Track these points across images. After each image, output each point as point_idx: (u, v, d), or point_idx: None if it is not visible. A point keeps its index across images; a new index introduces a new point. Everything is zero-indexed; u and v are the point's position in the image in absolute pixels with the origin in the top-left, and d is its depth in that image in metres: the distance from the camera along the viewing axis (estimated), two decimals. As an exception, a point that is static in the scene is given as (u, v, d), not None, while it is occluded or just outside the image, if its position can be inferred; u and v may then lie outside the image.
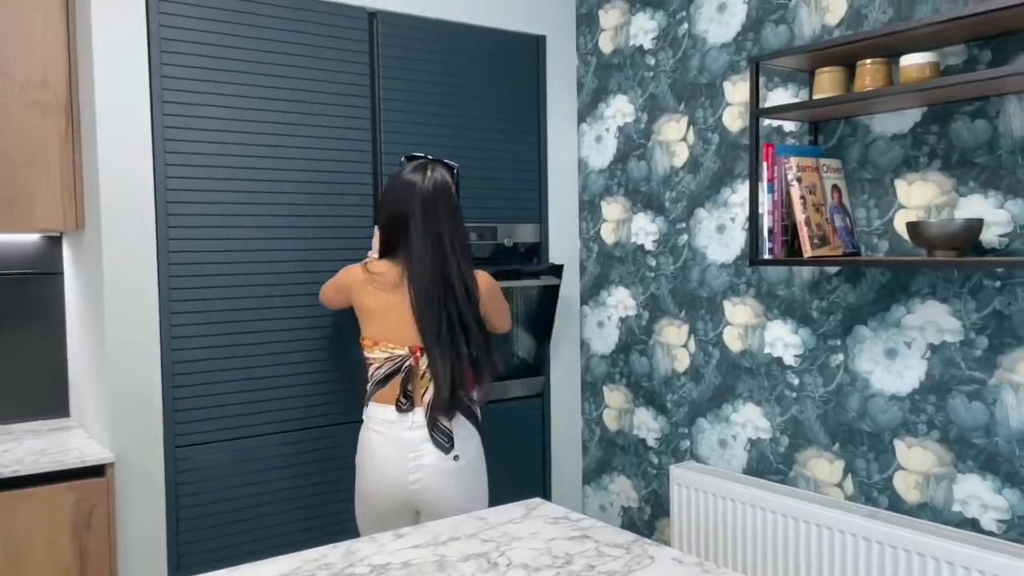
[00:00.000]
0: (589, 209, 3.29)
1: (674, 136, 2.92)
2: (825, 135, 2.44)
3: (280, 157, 2.54)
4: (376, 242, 2.30)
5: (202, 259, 2.44)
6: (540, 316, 3.11)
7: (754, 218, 2.33)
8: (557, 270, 3.05)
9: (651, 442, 3.07)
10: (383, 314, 2.19)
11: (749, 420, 2.70)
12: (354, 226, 2.64)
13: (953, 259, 1.97)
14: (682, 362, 2.93)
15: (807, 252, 2.24)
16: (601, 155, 3.22)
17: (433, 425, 2.15)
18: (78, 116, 2.48)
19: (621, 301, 3.16)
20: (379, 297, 2.20)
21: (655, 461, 3.05)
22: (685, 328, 2.91)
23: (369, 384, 2.23)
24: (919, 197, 2.23)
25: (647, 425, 3.08)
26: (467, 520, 1.68)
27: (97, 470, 2.29)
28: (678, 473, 2.77)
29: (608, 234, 3.20)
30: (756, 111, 2.32)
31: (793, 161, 2.27)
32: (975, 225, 1.97)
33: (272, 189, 2.53)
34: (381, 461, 2.16)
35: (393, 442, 2.16)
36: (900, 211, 2.27)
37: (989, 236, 2.08)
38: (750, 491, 2.52)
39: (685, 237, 2.89)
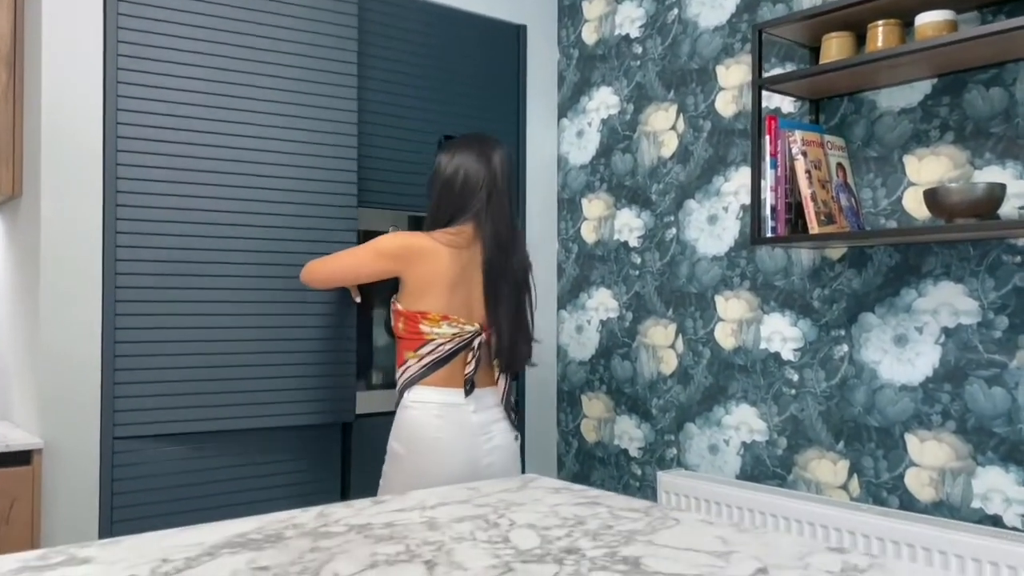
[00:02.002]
0: (568, 208, 3.13)
1: (662, 125, 2.79)
2: (827, 114, 2.33)
3: (251, 124, 2.30)
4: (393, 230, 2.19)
5: (154, 230, 2.19)
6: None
7: (756, 195, 2.18)
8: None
9: (634, 452, 2.86)
10: (455, 286, 1.99)
11: (743, 422, 2.52)
12: (332, 204, 2.37)
13: (978, 227, 1.84)
14: (669, 364, 2.75)
15: (813, 228, 2.10)
16: (582, 151, 3.08)
17: (507, 404, 2.07)
18: (22, 69, 2.25)
19: (602, 303, 2.98)
20: (453, 267, 1.99)
21: (638, 472, 2.84)
22: (672, 327, 2.74)
23: (417, 365, 1.98)
24: (931, 172, 2.11)
25: (629, 434, 2.87)
26: (454, 490, 1.45)
27: (22, 457, 2.01)
28: (666, 480, 2.56)
29: (589, 233, 3.04)
30: (759, 81, 2.19)
31: (798, 134, 2.15)
32: (997, 191, 1.85)
33: (238, 158, 2.28)
34: (449, 446, 1.94)
35: (461, 426, 1.96)
36: (910, 188, 2.15)
37: (1007, 209, 1.96)
38: (747, 494, 2.33)
39: (673, 231, 2.74)
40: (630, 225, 2.89)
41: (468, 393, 1.98)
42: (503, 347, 2.03)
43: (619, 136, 2.94)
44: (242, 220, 2.30)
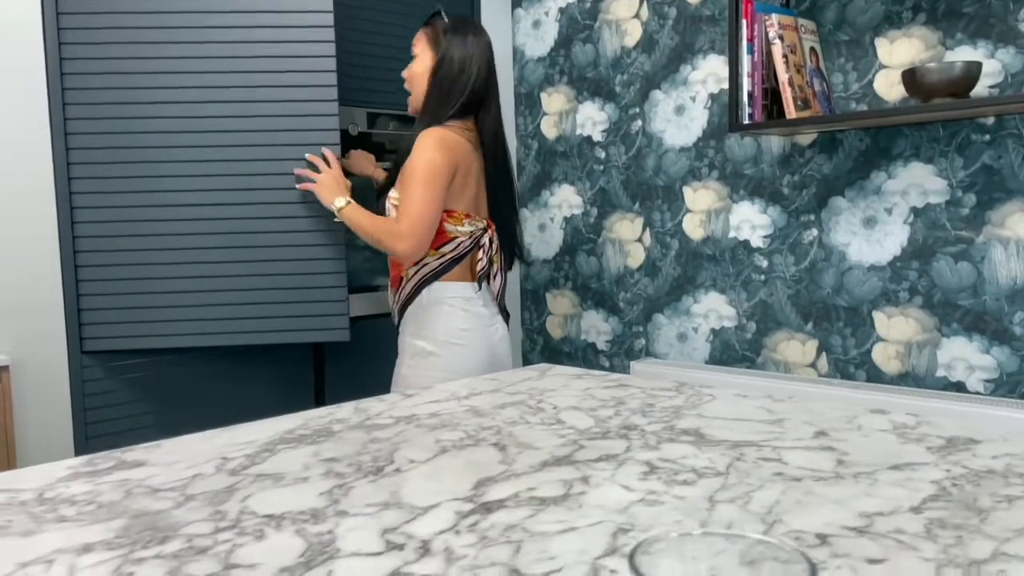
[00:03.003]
0: (527, 103, 3.07)
1: (625, 14, 2.73)
2: (797, -2, 2.32)
3: (219, 12, 2.09)
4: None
5: (110, 113, 2.01)
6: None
7: (734, 81, 2.18)
8: None
9: (601, 345, 2.91)
10: (473, 183, 1.94)
11: (712, 310, 2.59)
12: (312, 99, 2.09)
13: (955, 105, 1.89)
14: (636, 258, 2.78)
15: (790, 114, 2.12)
16: (540, 42, 3.00)
17: (501, 297, 2.05)
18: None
19: (566, 200, 2.98)
20: (474, 164, 1.94)
21: (606, 364, 2.90)
22: (639, 221, 2.76)
23: (437, 262, 1.93)
24: (903, 54, 2.14)
25: (597, 328, 2.92)
26: (478, 381, 1.45)
27: (-11, 376, 1.91)
28: (639, 368, 2.63)
29: (549, 128, 3.00)
30: (736, -37, 2.16)
31: (775, 18, 2.14)
32: (974, 69, 1.89)
33: (210, 45, 2.04)
34: (475, 339, 1.94)
35: (478, 318, 1.96)
36: (881, 71, 2.18)
37: (979, 89, 2.02)
38: (718, 377, 2.41)
39: (639, 123, 2.73)
40: (593, 119, 2.86)
41: (479, 288, 1.98)
42: (504, 243, 2.01)
43: (579, 26, 2.87)
44: (213, 111, 2.08)
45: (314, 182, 2.01)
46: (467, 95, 1.91)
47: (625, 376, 1.45)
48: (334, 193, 1.97)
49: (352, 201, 1.95)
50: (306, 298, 2.11)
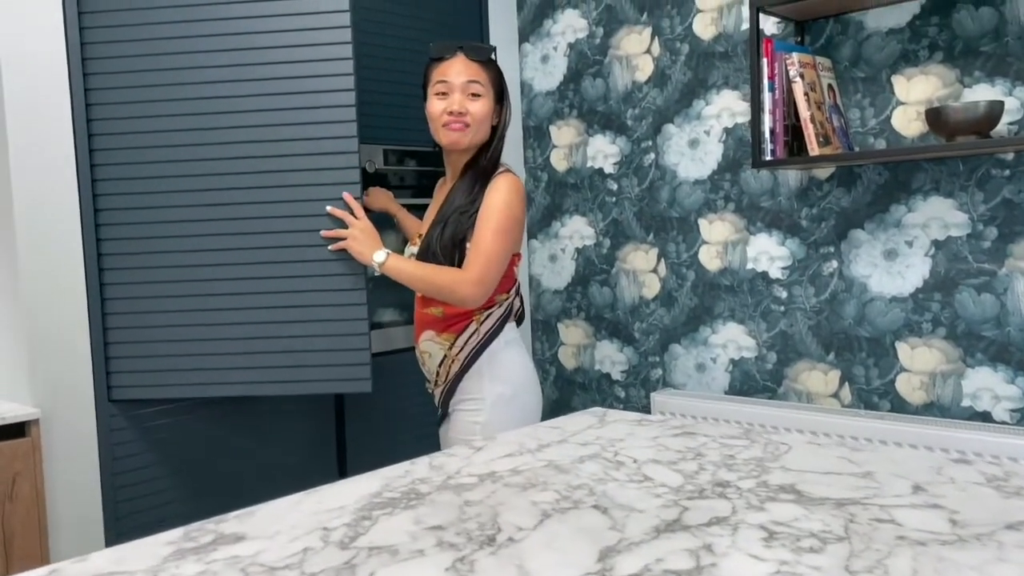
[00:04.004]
0: (535, 135, 3.08)
1: (636, 49, 2.76)
2: (812, 35, 2.36)
3: (239, 65, 2.02)
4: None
5: (139, 173, 1.98)
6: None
7: (756, 118, 2.21)
8: None
9: (616, 375, 2.92)
10: None
11: (731, 340, 2.61)
12: (332, 136, 1.99)
13: (979, 144, 1.93)
14: (651, 288, 2.79)
15: (813, 150, 2.15)
16: (548, 76, 3.02)
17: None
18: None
19: (577, 230, 2.99)
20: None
21: (622, 394, 2.91)
22: (654, 252, 2.77)
23: (507, 304, 1.95)
24: (920, 92, 2.19)
25: (611, 358, 2.93)
26: (539, 430, 1.45)
27: (17, 429, 1.87)
28: (660, 400, 2.64)
29: (559, 160, 3.02)
30: (757, 2, 2.20)
31: (795, 56, 2.17)
32: (997, 108, 1.94)
33: (230, 94, 2.00)
34: (535, 378, 2.00)
35: (529, 356, 2.03)
36: (899, 107, 2.23)
37: (998, 126, 2.06)
38: (742, 408, 2.43)
39: (652, 156, 2.75)
40: (604, 151, 2.88)
41: (519, 324, 2.02)
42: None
43: (588, 61, 2.90)
44: (237, 168, 2.01)
45: (344, 239, 1.91)
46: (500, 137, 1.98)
47: (686, 422, 1.46)
48: (371, 248, 1.88)
49: (390, 252, 1.89)
50: (328, 346, 2.01)
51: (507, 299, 1.93)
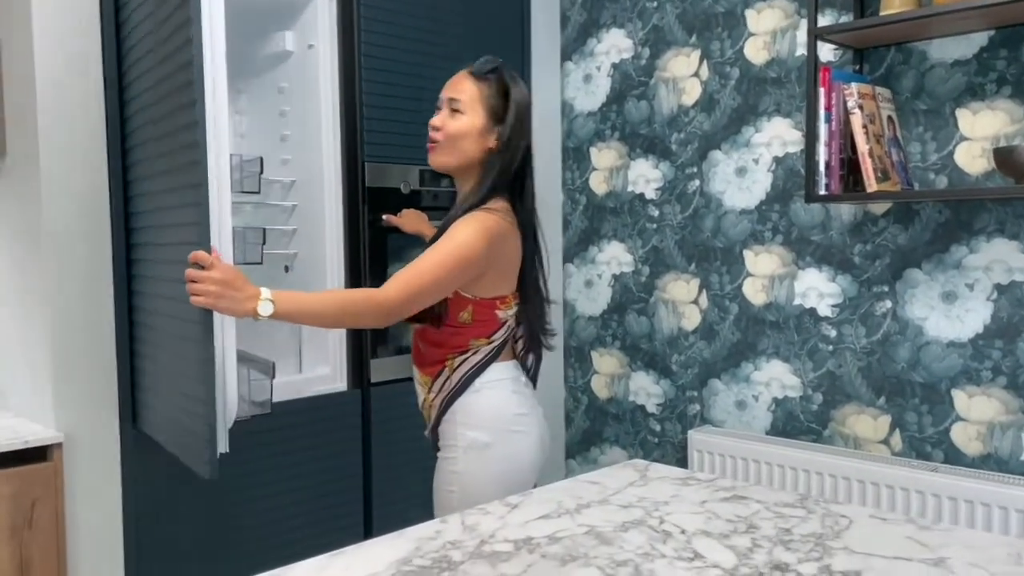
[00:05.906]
0: (575, 157, 3.00)
1: (683, 72, 2.67)
2: (871, 64, 2.26)
3: None
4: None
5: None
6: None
7: (811, 150, 2.11)
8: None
9: (651, 408, 2.82)
10: (518, 264, 1.74)
11: (774, 378, 2.50)
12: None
13: (1051, 186, 1.82)
14: (691, 320, 2.69)
15: (871, 186, 2.05)
16: (591, 96, 2.94)
17: (535, 374, 1.86)
18: (-3, 11, 1.97)
19: (615, 257, 2.90)
20: (518, 245, 1.73)
21: (657, 428, 2.81)
22: (695, 282, 2.68)
23: (488, 348, 1.72)
24: (986, 127, 2.07)
25: (647, 390, 2.83)
26: (579, 485, 1.36)
27: (39, 453, 1.82)
28: (698, 438, 2.53)
29: (599, 184, 2.93)
30: (815, 30, 2.10)
31: (854, 87, 2.07)
32: (1073, 149, 1.83)
33: None
34: (531, 422, 1.76)
35: (530, 398, 1.80)
36: (963, 143, 2.11)
37: (1070, 165, 1.95)
38: (786, 451, 2.32)
39: (696, 183, 2.66)
40: (646, 176, 2.79)
41: (523, 365, 1.86)
42: (546, 335, 1.84)
43: (633, 82, 2.81)
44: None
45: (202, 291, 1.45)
46: (512, 173, 1.72)
47: (736, 484, 1.36)
48: (244, 292, 1.46)
49: (274, 292, 1.48)
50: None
51: (487, 345, 1.72)
